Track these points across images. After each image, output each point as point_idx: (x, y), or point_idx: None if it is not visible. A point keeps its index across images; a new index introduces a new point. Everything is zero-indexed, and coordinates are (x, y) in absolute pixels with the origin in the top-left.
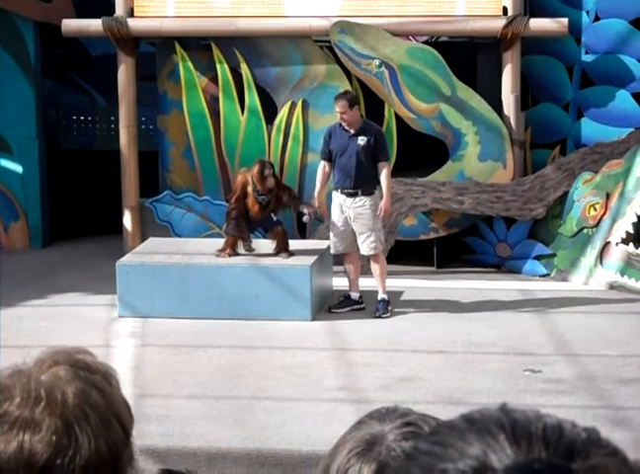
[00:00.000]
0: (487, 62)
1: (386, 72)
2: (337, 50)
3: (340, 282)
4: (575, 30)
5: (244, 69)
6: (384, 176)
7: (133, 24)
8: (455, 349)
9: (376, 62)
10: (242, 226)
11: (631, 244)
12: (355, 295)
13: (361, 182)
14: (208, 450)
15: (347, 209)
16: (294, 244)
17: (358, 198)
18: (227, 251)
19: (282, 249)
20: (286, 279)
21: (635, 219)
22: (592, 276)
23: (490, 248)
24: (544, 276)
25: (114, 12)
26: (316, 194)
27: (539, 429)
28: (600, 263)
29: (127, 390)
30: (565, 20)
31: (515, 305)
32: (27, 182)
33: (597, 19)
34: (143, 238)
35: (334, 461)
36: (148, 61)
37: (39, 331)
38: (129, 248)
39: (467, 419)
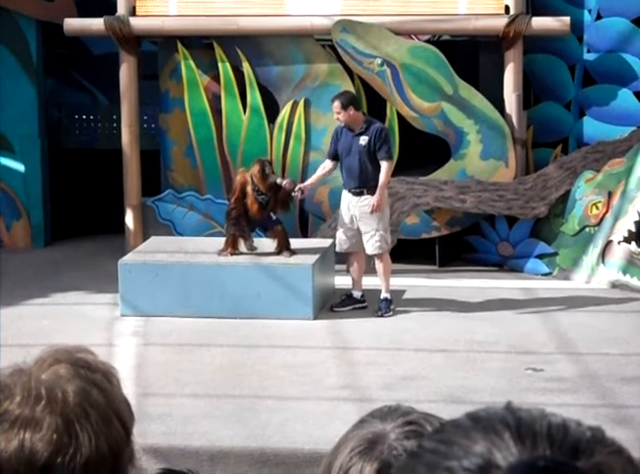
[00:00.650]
0: (489, 61)
1: (388, 71)
2: (339, 49)
3: (342, 281)
4: (577, 28)
5: (246, 68)
6: (382, 172)
7: (135, 23)
8: (457, 347)
9: (378, 61)
10: (242, 225)
11: (633, 242)
12: (357, 294)
13: (366, 181)
14: (211, 449)
15: (353, 208)
16: (296, 243)
17: (363, 197)
18: (228, 250)
19: (284, 248)
20: (288, 278)
21: (637, 218)
22: (594, 274)
23: (492, 247)
24: (546, 274)
25: (115, 11)
26: (307, 182)
27: (544, 427)
28: (603, 261)
29: (130, 389)
30: (567, 18)
31: (517, 304)
32: (29, 181)
33: (599, 17)
34: (145, 237)
35: (336, 460)
36: (150, 60)
37: (40, 330)
38: (131, 247)
39: (472, 417)
